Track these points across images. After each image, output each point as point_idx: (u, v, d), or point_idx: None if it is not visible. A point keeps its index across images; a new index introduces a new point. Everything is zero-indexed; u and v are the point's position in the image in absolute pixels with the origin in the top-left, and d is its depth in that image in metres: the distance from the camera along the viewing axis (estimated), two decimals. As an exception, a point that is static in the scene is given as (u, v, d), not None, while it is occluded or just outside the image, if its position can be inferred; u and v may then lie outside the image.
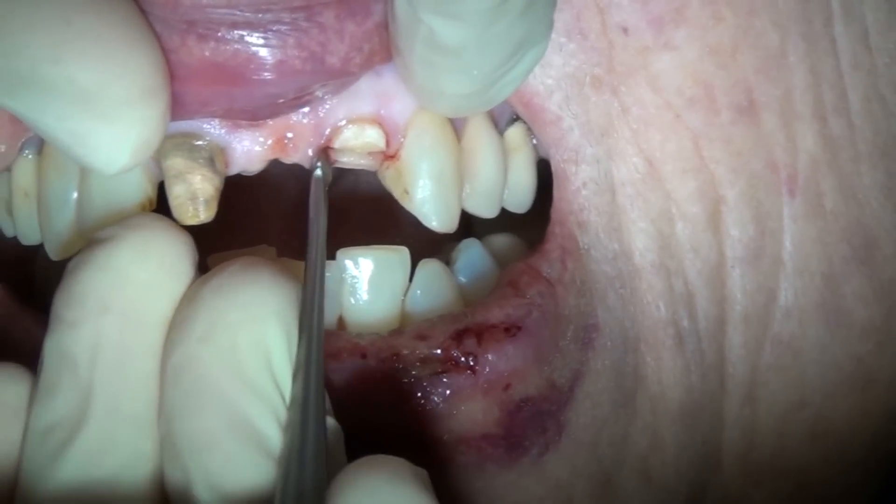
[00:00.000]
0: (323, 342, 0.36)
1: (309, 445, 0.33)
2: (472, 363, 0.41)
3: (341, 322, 0.44)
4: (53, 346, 0.35)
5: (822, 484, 0.49)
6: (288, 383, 0.35)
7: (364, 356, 0.40)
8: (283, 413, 0.34)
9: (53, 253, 0.44)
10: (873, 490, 0.51)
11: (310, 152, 0.42)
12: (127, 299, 0.35)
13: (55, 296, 0.36)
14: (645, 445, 0.45)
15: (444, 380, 0.40)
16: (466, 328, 0.41)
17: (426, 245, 0.49)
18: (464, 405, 0.41)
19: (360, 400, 0.40)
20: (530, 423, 0.41)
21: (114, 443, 0.34)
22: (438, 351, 0.41)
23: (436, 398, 0.40)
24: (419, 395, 0.40)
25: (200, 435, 0.34)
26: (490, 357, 0.41)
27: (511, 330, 0.41)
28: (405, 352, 0.40)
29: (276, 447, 0.34)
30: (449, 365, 0.40)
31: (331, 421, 0.36)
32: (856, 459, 0.49)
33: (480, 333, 0.41)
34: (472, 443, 0.41)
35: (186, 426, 0.34)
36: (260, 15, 0.37)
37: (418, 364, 0.40)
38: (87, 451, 0.34)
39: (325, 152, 0.42)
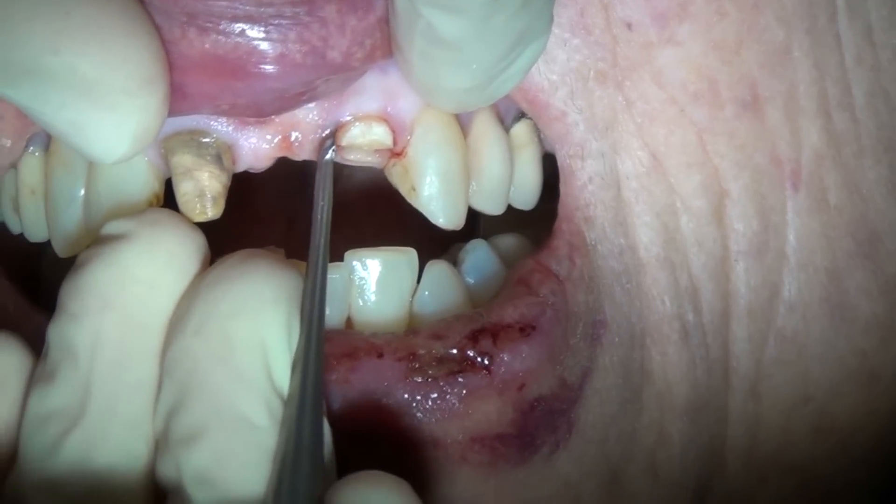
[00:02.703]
0: (324, 332, 0.36)
1: (305, 443, 0.33)
2: (487, 363, 0.41)
3: (349, 323, 0.44)
4: (56, 335, 0.36)
5: (827, 479, 0.49)
6: (285, 375, 0.35)
7: (381, 355, 0.40)
8: (277, 405, 0.34)
9: (61, 250, 0.44)
10: (878, 485, 0.51)
11: (323, 134, 0.42)
12: (131, 298, 0.36)
13: (62, 285, 0.36)
14: (652, 441, 0.45)
15: (460, 379, 0.40)
16: (482, 328, 0.41)
17: (431, 246, 0.49)
18: (479, 405, 0.40)
19: (376, 399, 0.40)
20: (542, 422, 0.41)
21: (107, 442, 0.34)
22: (454, 351, 0.41)
23: (451, 398, 0.40)
24: (435, 394, 0.40)
25: (189, 427, 0.34)
26: (505, 357, 0.41)
27: (526, 329, 0.41)
28: (421, 351, 0.40)
29: (267, 440, 0.34)
30: (465, 365, 0.40)
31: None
32: (860, 455, 0.49)
33: (496, 333, 0.41)
34: (486, 442, 0.41)
35: (177, 420, 0.34)
36: (261, 9, 0.37)
37: (434, 363, 0.40)
38: (81, 446, 0.34)
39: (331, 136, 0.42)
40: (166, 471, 0.35)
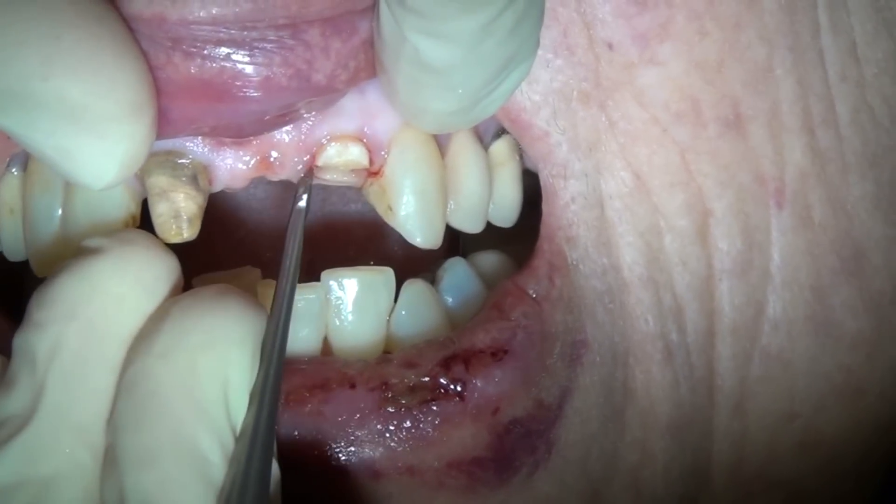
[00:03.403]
0: (281, 377, 0.36)
1: (251, 483, 0.33)
2: (460, 390, 0.41)
3: (326, 344, 0.44)
4: (19, 344, 0.36)
5: (814, 494, 0.48)
6: (241, 414, 0.35)
7: (353, 386, 0.40)
8: (230, 442, 0.34)
9: (37, 269, 0.44)
10: (867, 496, 0.51)
11: (299, 169, 0.42)
12: (95, 309, 0.36)
13: (31, 296, 0.36)
14: (634, 460, 0.44)
15: (434, 407, 0.40)
16: (454, 354, 0.41)
17: (415, 262, 0.48)
18: (453, 431, 0.40)
19: (351, 430, 0.40)
20: (520, 443, 0.41)
21: (52, 448, 0.34)
22: (427, 378, 0.41)
23: (425, 426, 0.40)
24: (409, 423, 0.40)
25: (141, 450, 0.34)
26: (478, 383, 0.41)
27: (498, 354, 0.41)
28: (394, 380, 0.40)
29: (217, 475, 0.34)
30: (438, 392, 0.40)
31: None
32: (847, 469, 0.49)
33: (468, 359, 0.41)
34: (462, 467, 0.41)
35: (129, 440, 0.34)
36: (245, 32, 0.37)
37: (407, 392, 0.40)
38: (24, 451, 0.34)
39: (310, 176, 0.42)
40: (110, 489, 0.34)
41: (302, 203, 0.41)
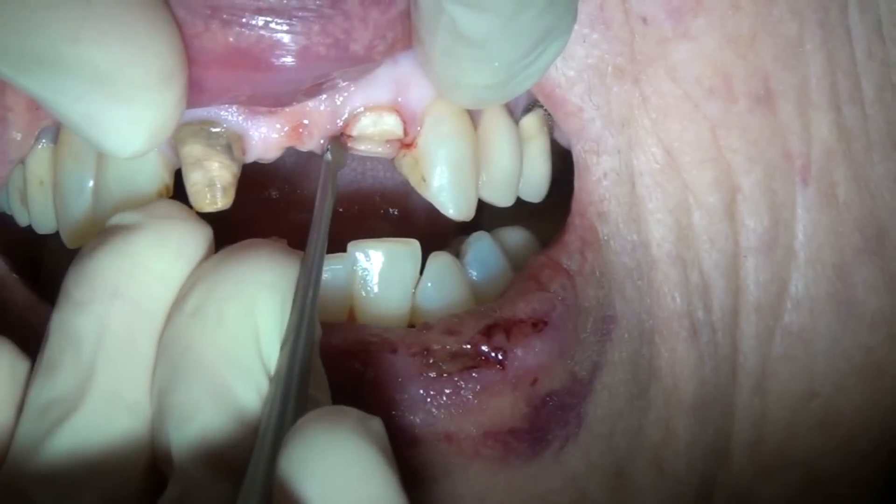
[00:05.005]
0: (316, 319, 0.35)
1: (287, 418, 0.33)
2: (501, 358, 0.41)
3: (352, 314, 0.44)
4: (59, 324, 0.35)
5: (831, 477, 0.49)
6: (274, 358, 0.35)
7: (395, 350, 0.40)
8: (265, 386, 0.34)
9: (69, 240, 0.43)
10: (881, 483, 0.51)
11: (329, 139, 0.42)
12: (139, 287, 0.35)
13: (67, 274, 0.36)
14: (658, 437, 0.45)
15: (474, 374, 0.40)
16: (495, 323, 0.41)
17: (434, 239, 0.49)
18: (493, 400, 0.41)
19: (389, 394, 0.40)
20: (554, 416, 0.42)
21: (110, 426, 0.34)
22: (468, 346, 0.41)
23: (466, 392, 0.40)
24: (449, 389, 0.40)
25: (182, 407, 0.34)
26: (519, 352, 0.41)
27: (538, 325, 0.41)
28: (435, 346, 0.40)
29: (255, 419, 0.34)
30: (479, 360, 0.41)
31: (325, 401, 0.35)
32: (865, 452, 0.49)
33: (509, 328, 0.41)
34: (499, 437, 0.41)
35: (170, 399, 0.34)
36: (285, 1, 0.37)
37: (448, 359, 0.40)
38: (80, 430, 0.34)
39: (337, 138, 0.42)
40: (162, 449, 0.34)
41: (328, 156, 0.41)
